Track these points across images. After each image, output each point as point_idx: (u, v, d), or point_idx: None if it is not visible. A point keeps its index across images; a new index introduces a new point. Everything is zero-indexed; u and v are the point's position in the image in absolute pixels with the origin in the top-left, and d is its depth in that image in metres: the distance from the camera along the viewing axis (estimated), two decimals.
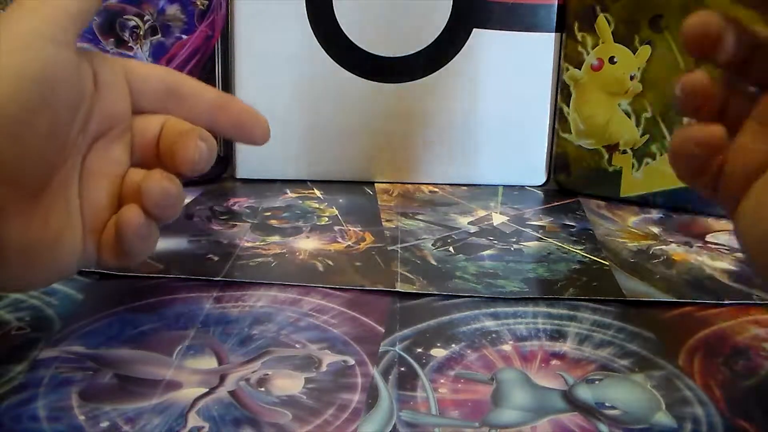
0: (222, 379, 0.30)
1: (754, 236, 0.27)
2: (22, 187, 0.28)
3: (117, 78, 0.32)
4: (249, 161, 0.54)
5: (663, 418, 0.28)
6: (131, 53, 0.49)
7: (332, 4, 0.52)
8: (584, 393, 0.29)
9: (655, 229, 0.47)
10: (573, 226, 0.47)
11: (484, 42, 0.52)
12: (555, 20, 0.52)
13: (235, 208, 0.49)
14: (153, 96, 0.33)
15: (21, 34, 0.28)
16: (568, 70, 0.52)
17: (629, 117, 0.51)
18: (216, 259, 0.41)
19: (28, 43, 0.28)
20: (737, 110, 0.29)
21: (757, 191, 0.27)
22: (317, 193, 0.52)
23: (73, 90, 0.29)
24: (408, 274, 0.39)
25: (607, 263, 0.41)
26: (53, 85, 0.28)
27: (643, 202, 0.51)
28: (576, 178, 0.54)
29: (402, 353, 0.32)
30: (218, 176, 0.55)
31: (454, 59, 0.53)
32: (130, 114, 0.32)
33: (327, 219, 0.47)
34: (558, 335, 0.34)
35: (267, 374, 0.30)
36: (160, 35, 0.50)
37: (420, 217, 0.48)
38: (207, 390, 0.29)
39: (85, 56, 0.31)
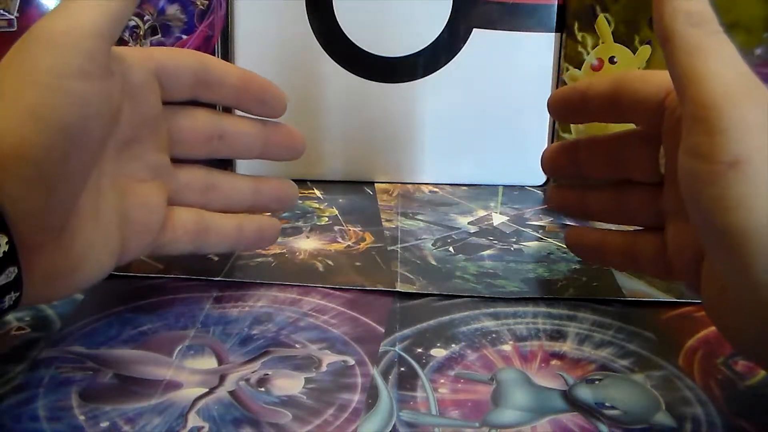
0: (222, 379, 0.30)
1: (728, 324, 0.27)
2: (48, 228, 0.27)
3: (147, 79, 0.30)
4: (249, 161, 0.54)
5: (663, 418, 0.28)
6: None
7: (332, 4, 0.52)
8: (584, 393, 0.29)
9: None
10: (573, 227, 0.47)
11: (484, 42, 0.52)
12: (555, 20, 0.52)
13: None
14: (182, 87, 0.33)
15: (43, 74, 0.25)
16: (568, 70, 0.52)
17: None
18: (216, 259, 0.41)
19: (50, 84, 0.25)
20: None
21: (707, 283, 0.28)
22: (317, 193, 0.52)
23: (105, 119, 0.27)
24: (408, 274, 0.39)
25: None
26: (83, 124, 0.26)
27: None
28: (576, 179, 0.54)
29: (402, 353, 0.32)
30: None
31: (454, 59, 0.53)
32: (160, 111, 0.32)
33: (327, 219, 0.47)
34: (558, 335, 0.34)
35: (267, 374, 0.30)
36: (160, 35, 0.50)
37: (420, 217, 0.48)
38: (207, 390, 0.29)
39: (115, 64, 0.28)
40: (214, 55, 0.52)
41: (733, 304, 0.25)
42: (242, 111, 0.36)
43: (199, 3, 0.50)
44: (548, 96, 0.35)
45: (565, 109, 0.35)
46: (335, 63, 0.53)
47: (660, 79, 0.30)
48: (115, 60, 0.28)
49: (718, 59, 0.24)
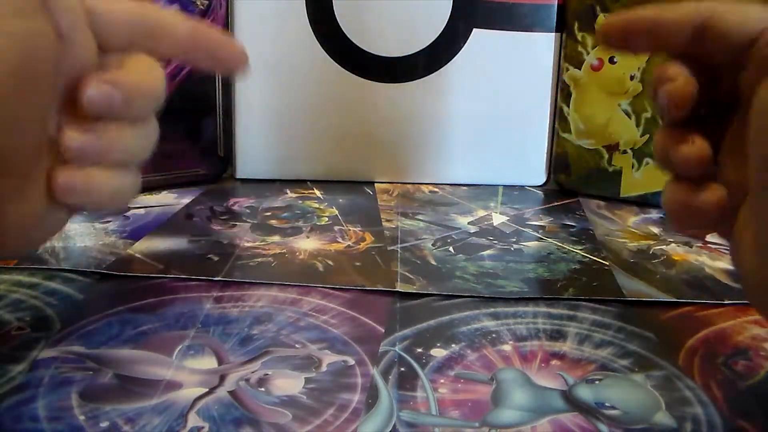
0: (222, 379, 0.30)
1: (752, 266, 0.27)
2: (17, 173, 0.27)
3: (79, 20, 0.29)
4: (249, 161, 0.54)
5: (663, 418, 0.28)
6: None
7: (332, 4, 0.52)
8: (584, 393, 0.29)
9: (655, 229, 0.47)
10: (573, 226, 0.47)
11: (484, 42, 0.52)
12: (555, 20, 0.52)
13: (235, 208, 0.49)
14: (121, 35, 0.30)
15: None
16: (568, 70, 0.52)
17: (629, 117, 0.51)
18: (216, 259, 0.41)
19: None
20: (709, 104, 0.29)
21: (744, 221, 0.27)
22: (317, 193, 0.52)
23: (49, 60, 0.27)
24: (408, 274, 0.39)
25: (607, 263, 0.41)
26: (26, 64, 0.26)
27: (643, 202, 0.51)
28: (576, 178, 0.54)
29: (402, 353, 0.32)
30: (218, 176, 0.55)
31: (454, 59, 0.53)
32: (96, 59, 0.30)
33: (327, 219, 0.47)
34: (558, 335, 0.34)
35: (267, 374, 0.30)
36: None
37: (420, 217, 0.48)
38: (207, 390, 0.29)
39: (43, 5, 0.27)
40: None
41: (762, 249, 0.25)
42: (195, 66, 0.34)
43: (199, 3, 0.50)
44: (599, 25, 0.31)
45: (624, 37, 0.30)
46: (335, 63, 0.53)
47: (758, 13, 0.28)
48: (44, 3, 0.28)
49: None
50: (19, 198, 0.27)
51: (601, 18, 0.50)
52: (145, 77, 0.30)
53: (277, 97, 0.53)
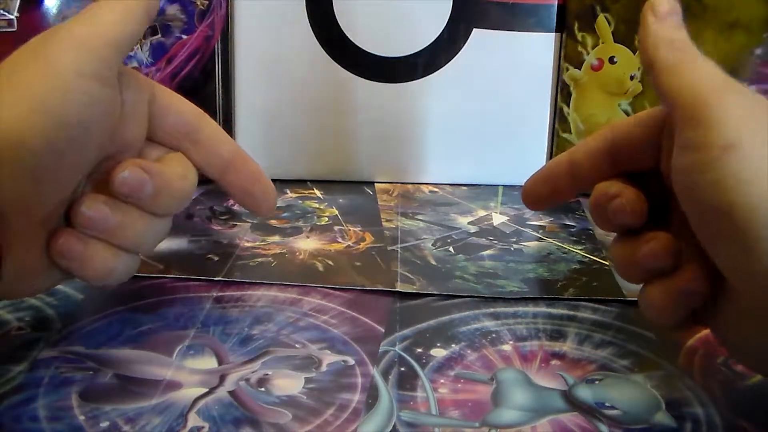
0: (222, 379, 0.30)
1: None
2: (30, 223, 0.27)
3: (141, 103, 0.30)
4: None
5: (663, 418, 0.28)
6: (131, 53, 0.49)
7: (332, 4, 0.52)
8: (584, 393, 0.29)
9: None
10: (573, 226, 0.47)
11: (484, 42, 0.52)
12: (555, 20, 0.52)
13: (235, 208, 0.49)
14: (170, 131, 0.32)
15: (62, 71, 0.26)
16: (568, 70, 0.52)
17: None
18: (216, 259, 0.41)
19: (66, 79, 0.26)
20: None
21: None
22: (317, 193, 0.52)
23: (105, 125, 0.28)
24: (408, 274, 0.39)
25: (607, 263, 0.41)
26: (88, 127, 0.27)
27: None
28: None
29: (402, 353, 0.32)
30: None
31: (454, 59, 0.53)
32: (143, 143, 0.31)
33: (327, 219, 0.47)
34: (558, 335, 0.34)
35: (267, 374, 0.30)
36: (160, 35, 0.50)
37: (420, 217, 0.48)
38: (207, 390, 0.29)
39: (120, 78, 0.29)
40: (214, 55, 0.52)
41: (734, 308, 0.26)
42: (225, 192, 0.34)
43: (199, 3, 0.50)
44: (541, 160, 0.31)
45: (550, 192, 0.32)
46: (335, 63, 0.53)
47: (651, 116, 0.30)
48: (121, 75, 0.29)
49: (700, 69, 0.26)
50: (20, 244, 0.28)
51: (601, 19, 0.50)
52: (180, 177, 0.31)
53: (277, 98, 0.53)
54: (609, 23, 0.50)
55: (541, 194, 0.33)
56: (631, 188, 0.28)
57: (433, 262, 0.41)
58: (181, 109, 0.32)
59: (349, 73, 0.53)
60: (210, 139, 0.32)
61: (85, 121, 0.26)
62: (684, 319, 0.28)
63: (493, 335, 0.33)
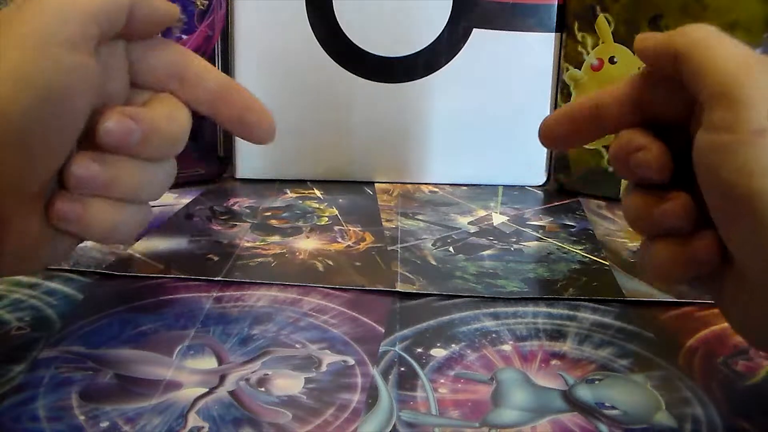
0: (222, 379, 0.30)
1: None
2: (26, 195, 0.27)
3: (117, 56, 0.30)
4: (249, 161, 0.54)
5: (663, 418, 0.28)
6: None
7: (332, 4, 0.52)
8: (584, 393, 0.29)
9: None
10: (573, 226, 0.47)
11: (484, 42, 0.52)
12: (555, 20, 0.52)
13: (235, 208, 0.49)
14: (154, 73, 0.31)
15: (31, 35, 0.25)
16: (568, 70, 0.52)
17: None
18: (216, 259, 0.41)
19: (36, 45, 0.25)
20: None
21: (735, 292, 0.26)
22: (317, 193, 0.52)
23: (85, 95, 0.27)
24: (408, 274, 0.39)
25: (607, 263, 0.41)
26: (68, 94, 0.26)
27: None
28: (576, 178, 0.54)
29: (402, 353, 0.32)
30: (218, 176, 0.55)
31: (454, 59, 0.53)
32: (126, 93, 0.30)
33: (327, 219, 0.47)
34: (558, 335, 0.34)
35: (267, 374, 0.30)
36: (159, 35, 0.50)
37: (420, 217, 0.48)
38: (207, 390, 0.29)
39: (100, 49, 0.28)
40: (214, 55, 0.52)
41: (741, 284, 0.25)
42: (219, 124, 0.33)
43: (199, 3, 0.50)
44: (542, 120, 0.32)
45: (570, 132, 0.31)
46: (335, 63, 0.53)
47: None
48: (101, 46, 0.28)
49: (724, 45, 0.25)
50: (18, 216, 0.27)
51: (601, 19, 0.50)
52: (169, 118, 0.30)
53: (276, 98, 0.53)
54: (609, 23, 0.50)
55: (560, 133, 0.31)
56: (658, 143, 0.27)
57: (433, 262, 0.41)
58: (164, 48, 0.31)
59: (349, 73, 0.53)
60: (197, 74, 0.31)
61: (64, 89, 0.26)
62: (684, 282, 0.27)
63: (493, 335, 0.33)
